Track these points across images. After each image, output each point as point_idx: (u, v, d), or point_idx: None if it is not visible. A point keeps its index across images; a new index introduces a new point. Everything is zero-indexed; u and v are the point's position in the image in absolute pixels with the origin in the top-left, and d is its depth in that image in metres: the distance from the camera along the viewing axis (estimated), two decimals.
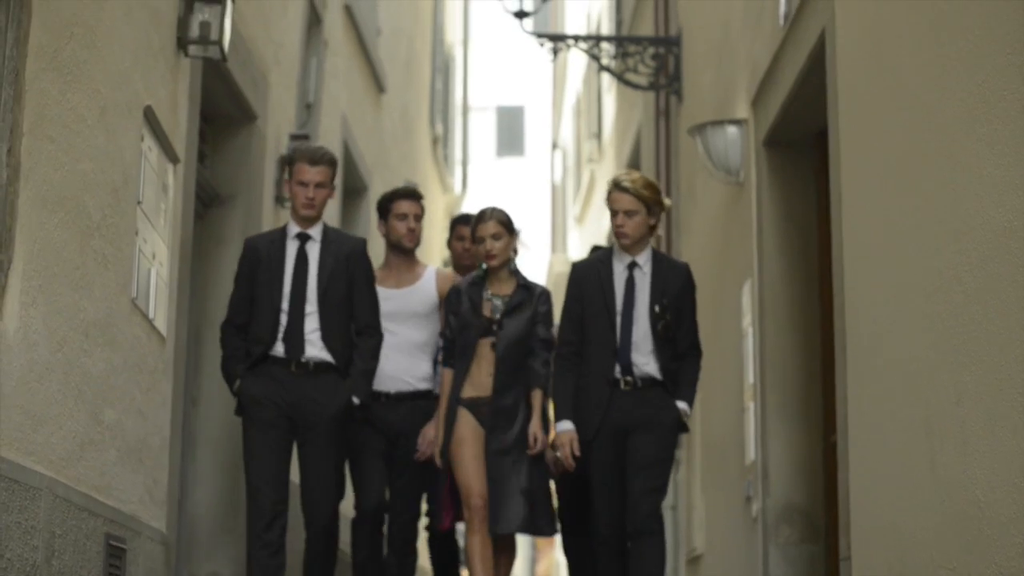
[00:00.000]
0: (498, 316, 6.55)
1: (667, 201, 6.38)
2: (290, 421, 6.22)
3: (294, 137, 8.73)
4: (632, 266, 6.28)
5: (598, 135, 17.93)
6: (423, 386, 6.89)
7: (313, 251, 6.37)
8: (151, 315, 5.99)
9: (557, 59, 12.69)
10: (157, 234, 6.13)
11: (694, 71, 10.16)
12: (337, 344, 6.32)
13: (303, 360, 6.24)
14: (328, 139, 9.85)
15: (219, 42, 6.53)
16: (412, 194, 7.10)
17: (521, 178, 30.72)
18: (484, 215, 6.65)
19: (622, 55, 11.08)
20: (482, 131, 30.14)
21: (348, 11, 11.08)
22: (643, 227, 6.25)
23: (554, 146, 28.02)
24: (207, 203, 7.61)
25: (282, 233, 6.44)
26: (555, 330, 6.58)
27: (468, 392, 6.53)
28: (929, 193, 4.63)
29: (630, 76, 11.08)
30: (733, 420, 8.23)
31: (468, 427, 6.50)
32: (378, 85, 12.63)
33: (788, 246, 7.46)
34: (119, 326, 5.58)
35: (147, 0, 5.91)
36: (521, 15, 10.77)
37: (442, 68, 18.98)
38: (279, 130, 8.57)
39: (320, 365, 6.27)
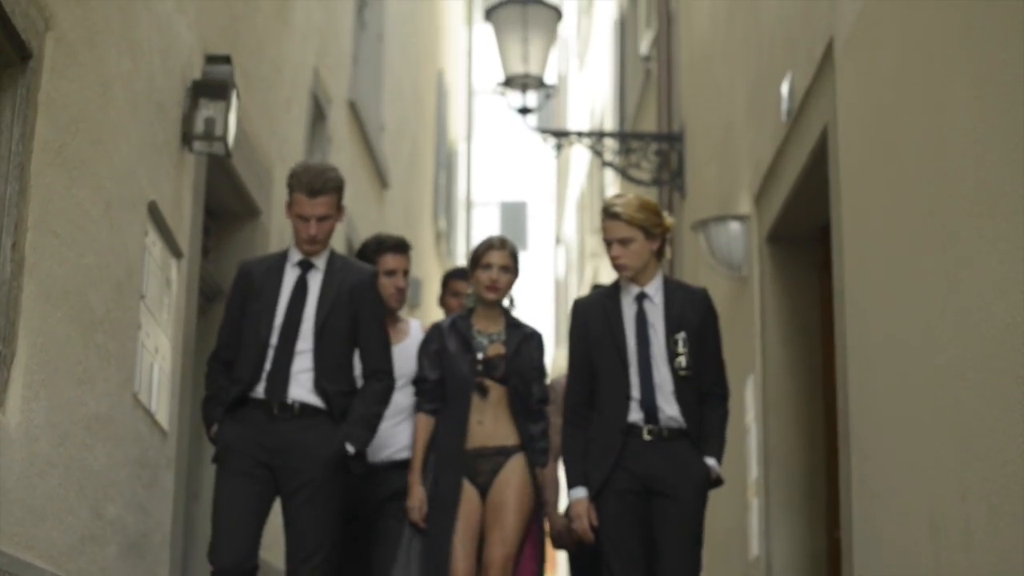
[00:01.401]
0: (481, 355, 5.90)
1: (669, 220, 5.58)
2: (270, 472, 5.38)
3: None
4: (641, 298, 5.51)
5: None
6: (405, 455, 6.06)
7: (315, 281, 5.59)
8: (153, 409, 5.98)
9: (560, 155, 12.77)
10: (160, 329, 6.13)
11: (697, 167, 10.21)
12: (331, 388, 5.48)
13: (287, 402, 5.41)
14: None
15: (223, 138, 6.57)
16: (400, 246, 6.32)
17: (524, 273, 30.78)
18: (495, 243, 6.05)
19: (625, 151, 11.14)
20: (486, 226, 30.27)
21: (352, 107, 11.15)
22: (644, 255, 5.49)
23: (557, 241, 28.11)
24: (210, 298, 7.62)
25: (282, 258, 5.68)
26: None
27: (473, 442, 5.85)
28: (932, 289, 4.63)
29: (633, 172, 11.13)
30: (737, 515, 8.18)
31: (468, 500, 5.81)
32: (382, 181, 12.69)
33: (791, 341, 7.45)
34: (121, 420, 5.57)
35: (152, 96, 5.95)
36: (525, 111, 10.84)
37: (445, 164, 19.08)
38: (283, 225, 8.60)
39: (307, 409, 5.43)
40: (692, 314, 5.48)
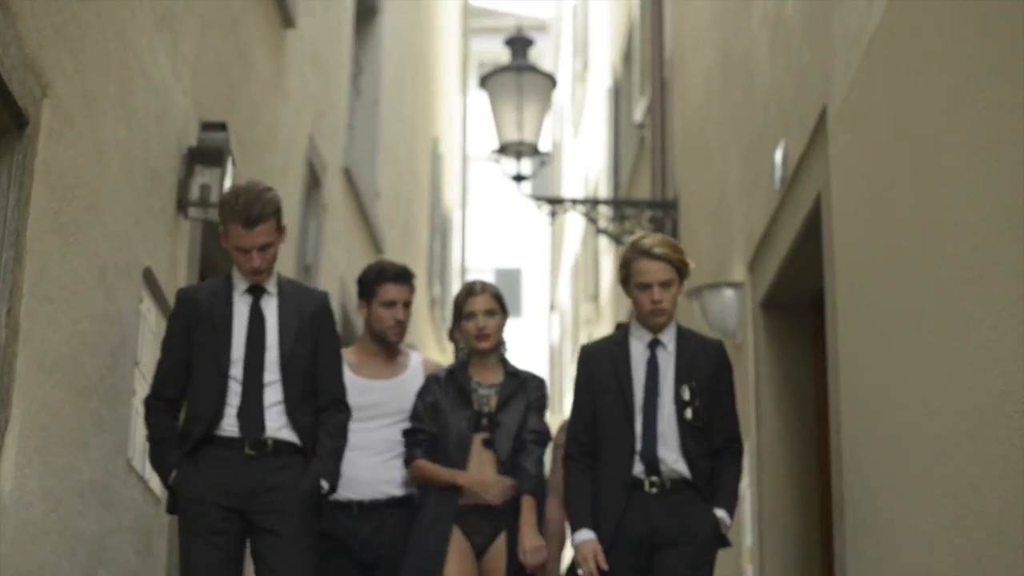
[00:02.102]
0: (486, 409, 5.63)
1: (691, 264, 5.34)
2: (241, 519, 5.01)
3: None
4: (654, 345, 5.26)
5: (595, 297, 17.99)
6: (400, 492, 5.75)
7: (270, 308, 5.19)
8: (147, 476, 5.96)
9: (555, 221, 12.79)
10: None
11: (691, 234, 10.23)
12: (303, 421, 5.13)
13: (262, 440, 5.04)
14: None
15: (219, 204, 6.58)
16: (403, 276, 5.95)
17: (519, 339, 30.83)
18: (474, 288, 5.79)
19: (619, 218, 11.17)
20: None
21: (347, 174, 11.19)
22: (676, 299, 5.27)
23: (552, 308, 28.11)
24: None
25: (227, 286, 5.22)
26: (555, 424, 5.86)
27: (468, 498, 5.53)
28: (926, 356, 4.63)
29: (627, 239, 11.15)
30: None
31: (459, 556, 5.49)
32: (376, 247, 12.71)
33: (786, 408, 7.44)
34: (115, 487, 5.55)
35: (148, 162, 5.97)
36: (519, 179, 10.88)
37: (440, 230, 19.12)
38: None
39: (281, 446, 5.07)
40: (705, 364, 5.24)
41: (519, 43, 11.37)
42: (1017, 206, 3.80)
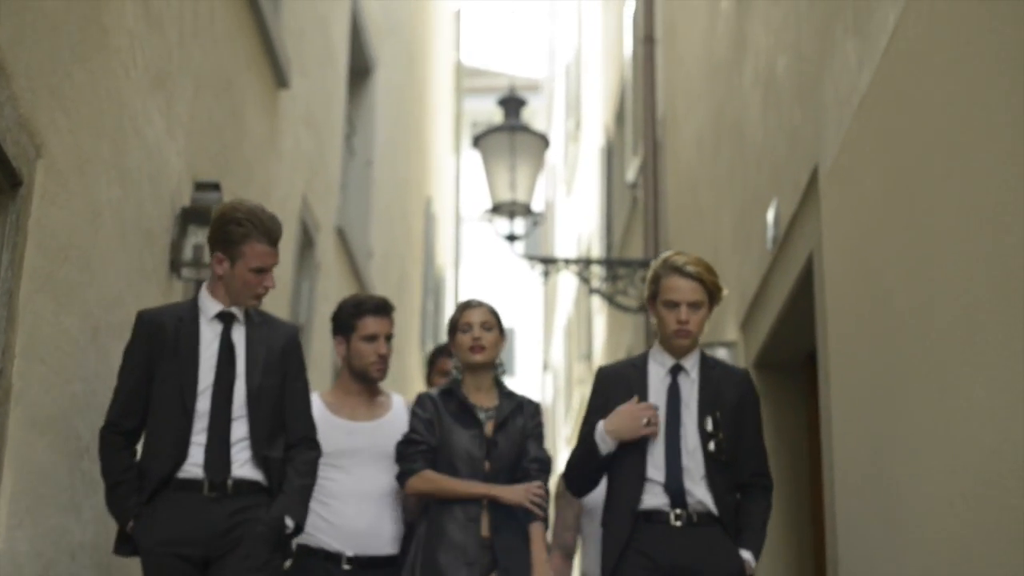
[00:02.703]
0: (485, 433, 5.29)
1: (724, 290, 5.02)
2: (203, 561, 4.68)
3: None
4: (676, 370, 4.94)
5: (589, 356, 17.99)
6: (390, 550, 5.41)
7: (239, 337, 4.87)
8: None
9: (548, 281, 12.80)
10: None
11: None
12: (271, 457, 4.81)
13: (227, 481, 4.70)
14: (319, 361, 9.87)
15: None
16: (383, 308, 5.65)
17: None
18: (471, 303, 5.48)
19: (612, 277, 11.18)
20: None
21: (340, 233, 11.20)
22: (705, 323, 4.93)
23: (544, 367, 28.09)
24: None
25: (193, 309, 4.89)
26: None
27: (485, 530, 5.20)
28: (919, 416, 4.63)
29: (620, 299, 11.16)
30: None
31: None
32: None
33: (779, 468, 7.42)
34: (106, 549, 5.51)
35: (141, 223, 5.97)
36: (512, 238, 10.90)
37: (433, 290, 19.12)
38: None
39: (244, 485, 4.73)
40: (730, 394, 4.91)
41: (512, 103, 11.41)
42: (1007, 266, 3.81)
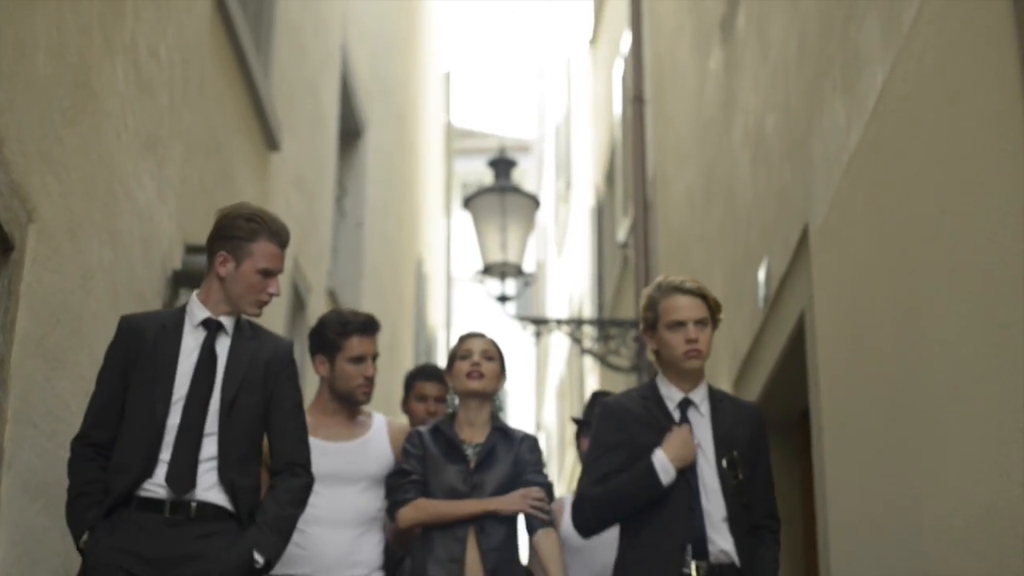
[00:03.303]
0: (470, 467, 4.98)
1: (720, 314, 4.73)
2: None
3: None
4: (685, 405, 4.58)
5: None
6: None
7: (222, 347, 4.44)
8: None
9: (540, 342, 12.81)
10: None
11: None
12: (239, 483, 4.29)
13: (187, 501, 4.23)
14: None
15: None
16: (369, 326, 5.30)
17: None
18: (472, 333, 5.22)
19: (604, 337, 11.18)
20: None
21: (332, 296, 11.20)
22: (711, 344, 4.63)
23: (537, 428, 28.02)
24: None
25: (178, 316, 4.51)
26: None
27: (473, 571, 4.86)
28: (911, 474, 4.62)
29: (612, 359, 11.16)
30: None
31: None
32: None
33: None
34: None
35: (133, 286, 5.97)
36: (503, 299, 10.91)
37: (425, 351, 19.10)
38: None
39: (208, 510, 4.24)
40: (744, 430, 4.57)
41: (502, 164, 11.46)
42: (998, 322, 3.81)
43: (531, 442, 5.11)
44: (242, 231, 4.49)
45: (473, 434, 5.07)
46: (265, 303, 4.54)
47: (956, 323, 4.19)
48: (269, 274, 4.49)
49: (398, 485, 5.03)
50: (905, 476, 4.70)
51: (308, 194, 10.47)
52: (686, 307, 4.58)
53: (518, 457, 5.04)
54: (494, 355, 5.12)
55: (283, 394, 4.50)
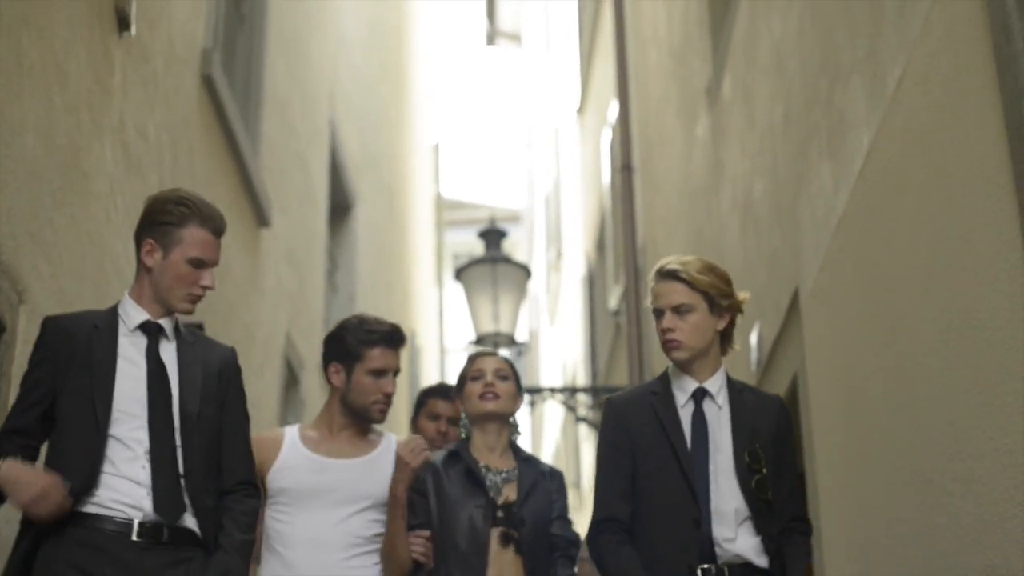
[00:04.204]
0: (500, 500, 4.52)
1: (742, 295, 4.27)
2: None
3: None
4: (700, 395, 4.15)
5: (578, 485, 17.89)
6: None
7: (169, 355, 4.01)
8: None
9: (534, 411, 12.79)
10: None
11: None
12: (206, 504, 3.91)
13: (159, 524, 3.79)
14: None
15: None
16: (396, 338, 4.82)
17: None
18: (484, 352, 4.89)
19: (598, 405, 11.17)
20: None
21: None
22: (705, 332, 4.15)
23: None
24: None
25: (111, 318, 4.02)
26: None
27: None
28: (909, 535, 4.61)
29: None
30: None
31: None
32: None
33: None
34: None
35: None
36: None
37: None
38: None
39: (179, 534, 3.83)
40: (766, 424, 4.13)
41: (493, 235, 11.49)
42: (990, 381, 3.81)
43: (559, 479, 4.74)
44: (170, 216, 4.02)
45: (495, 459, 4.62)
46: (198, 298, 4.07)
47: (948, 383, 4.19)
48: (201, 264, 4.02)
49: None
50: (902, 537, 4.69)
51: (299, 269, 10.48)
52: (661, 293, 4.20)
53: (544, 492, 4.64)
54: (508, 374, 4.72)
55: (234, 407, 4.13)
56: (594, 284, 16.03)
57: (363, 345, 4.73)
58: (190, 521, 3.86)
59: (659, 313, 4.19)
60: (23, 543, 3.78)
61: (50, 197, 5.03)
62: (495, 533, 4.46)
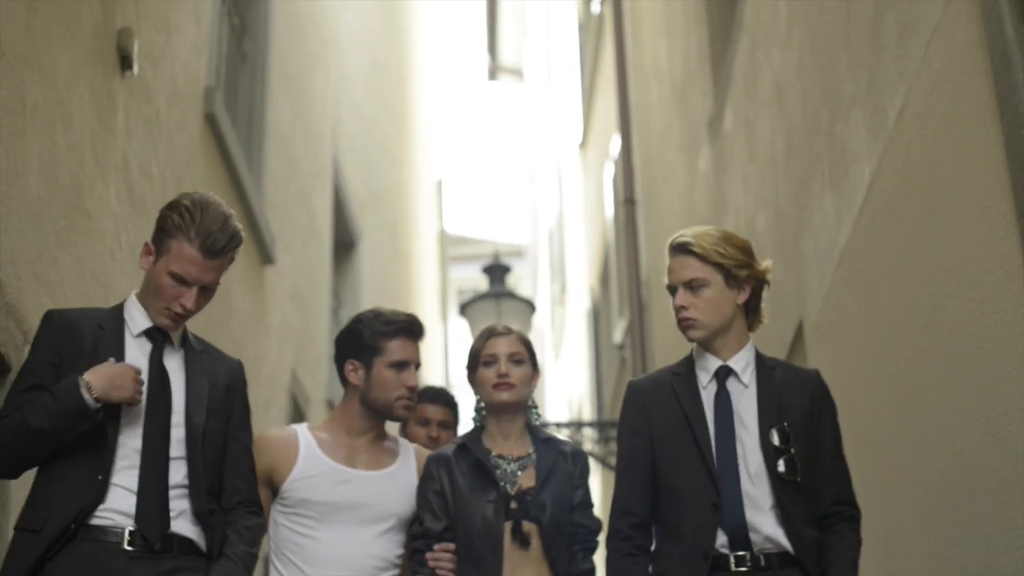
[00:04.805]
0: (513, 490, 4.17)
1: (764, 264, 3.91)
2: None
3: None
4: (723, 374, 3.83)
5: None
6: None
7: (175, 364, 3.83)
8: None
9: None
10: None
11: None
12: (211, 514, 3.74)
13: (168, 535, 3.62)
14: None
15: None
16: (415, 329, 4.45)
17: None
18: (497, 329, 4.43)
19: (604, 439, 11.15)
20: None
21: (331, 407, 11.17)
22: (723, 307, 3.82)
23: None
24: None
25: (116, 320, 3.81)
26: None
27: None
28: (916, 567, 4.60)
29: (613, 460, 11.11)
30: None
31: None
32: None
33: None
34: None
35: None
36: None
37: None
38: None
39: (180, 544, 3.65)
40: (800, 400, 3.79)
41: (497, 270, 11.50)
42: (994, 414, 3.81)
43: (583, 459, 4.35)
44: (166, 222, 3.76)
45: (511, 447, 4.29)
46: (177, 315, 3.79)
47: (953, 413, 4.19)
48: (183, 281, 3.74)
49: (413, 552, 4.24)
50: (911, 569, 4.67)
51: (304, 306, 10.49)
52: (673, 269, 3.88)
53: (565, 474, 4.26)
54: (523, 356, 4.33)
55: (239, 423, 3.94)
56: (598, 318, 16.02)
57: (382, 337, 4.36)
58: (190, 531, 3.66)
59: (673, 290, 3.86)
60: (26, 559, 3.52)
61: (54, 236, 5.04)
62: (508, 527, 4.12)
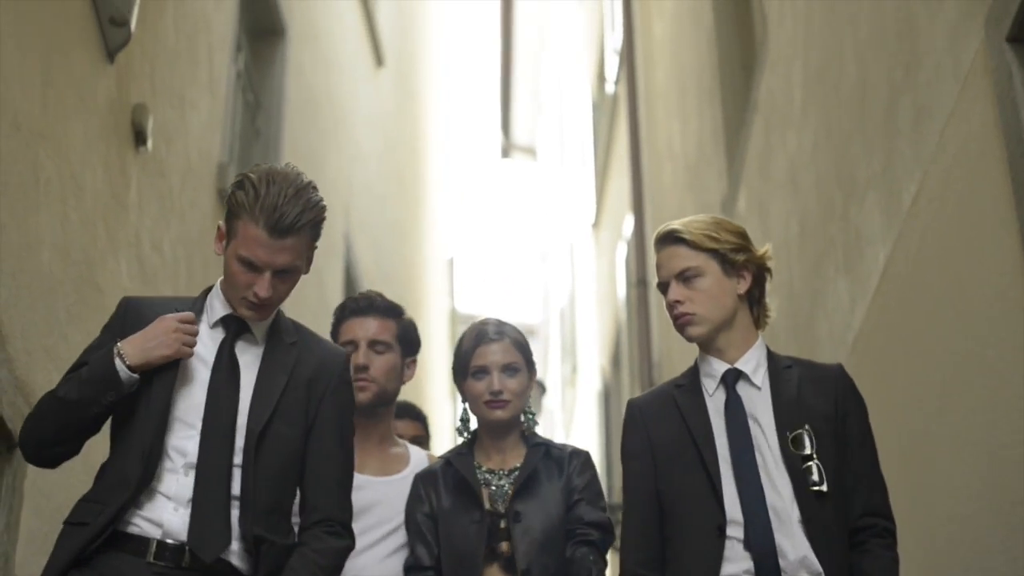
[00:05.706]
0: (502, 507, 3.80)
1: (764, 249, 3.56)
2: None
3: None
4: (732, 378, 3.43)
5: None
6: None
7: (250, 356, 3.38)
8: None
9: None
10: None
11: None
12: (270, 536, 3.23)
13: (181, 545, 3.16)
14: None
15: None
16: (363, 307, 4.32)
17: None
18: (487, 333, 4.00)
19: (616, 522, 11.07)
20: None
21: None
22: (722, 298, 3.44)
23: None
24: None
25: (198, 306, 3.49)
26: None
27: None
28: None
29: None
30: None
31: None
32: None
33: None
34: None
35: None
36: None
37: None
38: None
39: (222, 568, 3.18)
40: (820, 399, 3.38)
41: None
42: (1009, 497, 3.78)
43: (582, 459, 3.96)
44: (233, 201, 3.38)
45: (502, 459, 3.93)
46: (255, 305, 3.37)
47: (966, 497, 4.15)
48: (252, 266, 3.33)
49: None
50: None
51: None
52: (661, 263, 3.50)
53: (570, 482, 3.89)
54: (519, 364, 3.95)
55: (327, 426, 3.39)
56: (609, 399, 15.97)
57: (338, 323, 4.32)
58: (236, 555, 3.20)
59: (664, 287, 3.48)
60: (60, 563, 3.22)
61: (65, 312, 5.02)
62: (486, 551, 3.75)
